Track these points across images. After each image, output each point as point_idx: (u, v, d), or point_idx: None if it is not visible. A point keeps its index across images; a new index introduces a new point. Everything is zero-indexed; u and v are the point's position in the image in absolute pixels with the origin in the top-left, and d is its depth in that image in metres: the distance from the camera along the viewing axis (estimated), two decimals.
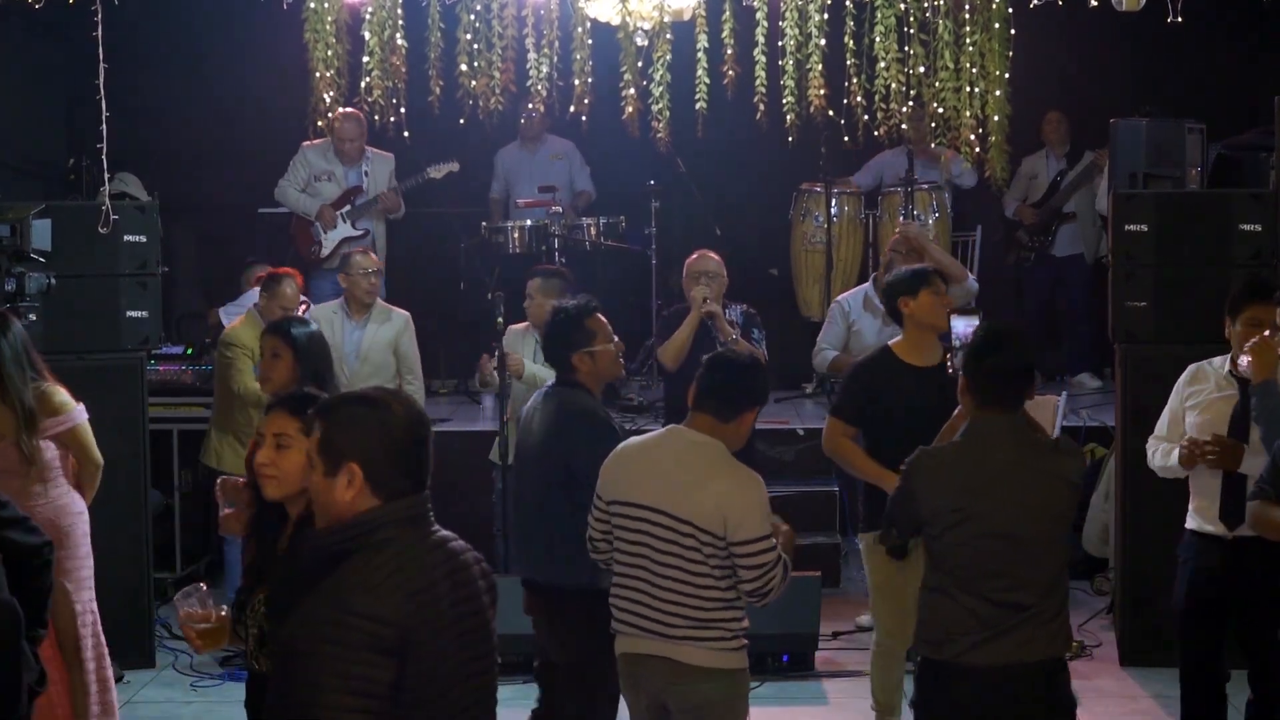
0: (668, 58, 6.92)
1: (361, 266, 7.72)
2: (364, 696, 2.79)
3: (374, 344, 7.68)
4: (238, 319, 7.59)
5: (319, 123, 7.52)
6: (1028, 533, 4.17)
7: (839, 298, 7.78)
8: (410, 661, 2.83)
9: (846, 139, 7.23)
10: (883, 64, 6.88)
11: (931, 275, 5.92)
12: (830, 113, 7.07)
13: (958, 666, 4.19)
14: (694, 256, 7.32)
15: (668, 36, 6.89)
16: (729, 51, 6.97)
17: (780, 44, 6.89)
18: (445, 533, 3.12)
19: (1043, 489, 4.20)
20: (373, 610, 2.81)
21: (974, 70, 6.98)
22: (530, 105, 7.63)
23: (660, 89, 6.94)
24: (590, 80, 7.24)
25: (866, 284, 7.67)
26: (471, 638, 3.01)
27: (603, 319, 5.18)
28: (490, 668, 3.09)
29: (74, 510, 5.49)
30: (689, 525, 4.36)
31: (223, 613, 3.95)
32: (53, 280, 6.45)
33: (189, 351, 8.60)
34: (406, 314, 7.88)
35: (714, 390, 4.52)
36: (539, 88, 7.17)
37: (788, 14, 6.84)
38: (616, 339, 5.24)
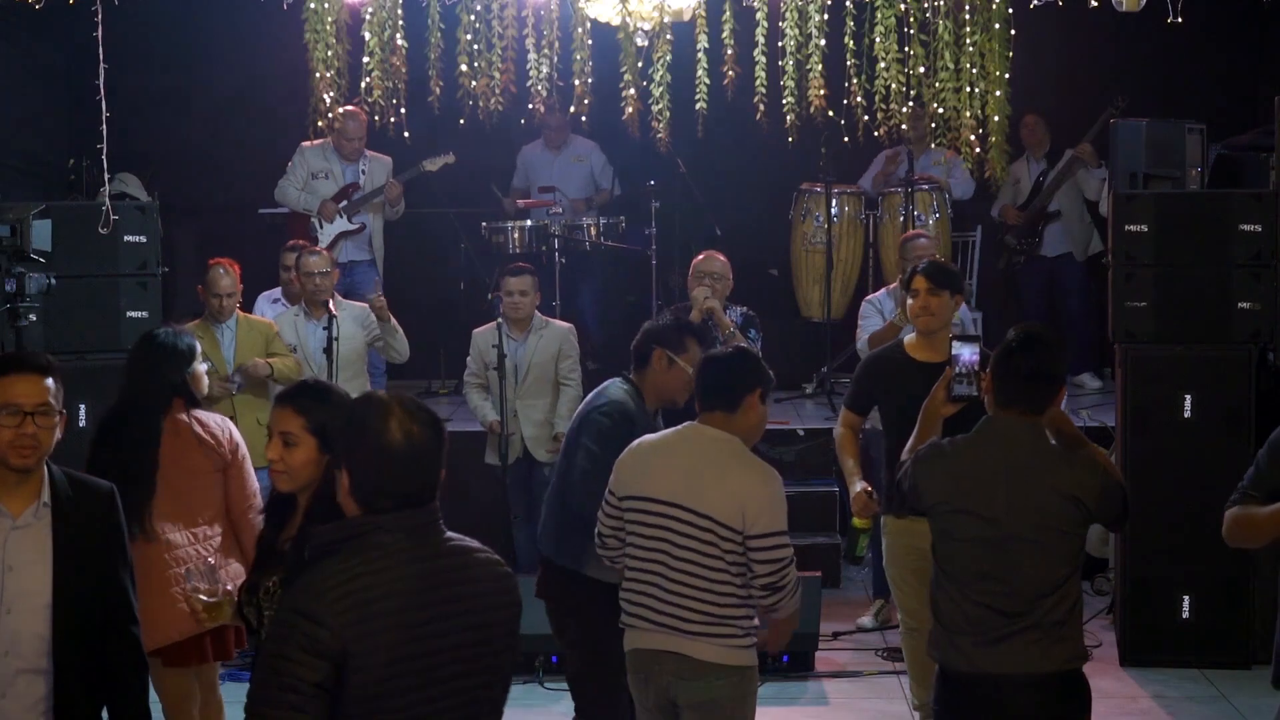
0: (668, 58, 6.92)
1: (311, 267, 7.54)
2: (292, 693, 2.87)
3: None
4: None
5: (319, 123, 7.51)
6: (1016, 538, 4.10)
7: (869, 297, 7.73)
8: (349, 668, 2.88)
9: (846, 139, 7.23)
10: (883, 64, 6.88)
11: (919, 278, 5.93)
12: (830, 113, 7.07)
13: (961, 673, 4.15)
14: (701, 257, 7.31)
15: (668, 37, 6.89)
16: (729, 52, 6.98)
17: (780, 44, 6.90)
18: (460, 544, 3.10)
19: (1038, 496, 4.12)
20: (312, 612, 2.88)
21: (974, 70, 6.98)
22: (531, 105, 7.61)
23: (660, 89, 6.95)
24: (590, 81, 7.24)
25: (894, 284, 7.59)
26: (436, 645, 2.98)
27: (700, 348, 5.07)
28: (468, 673, 3.04)
29: None
30: (708, 520, 4.36)
31: (227, 588, 4.04)
32: (53, 280, 6.45)
33: None
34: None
35: (712, 387, 4.54)
36: (539, 88, 7.18)
37: (788, 14, 6.84)
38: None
